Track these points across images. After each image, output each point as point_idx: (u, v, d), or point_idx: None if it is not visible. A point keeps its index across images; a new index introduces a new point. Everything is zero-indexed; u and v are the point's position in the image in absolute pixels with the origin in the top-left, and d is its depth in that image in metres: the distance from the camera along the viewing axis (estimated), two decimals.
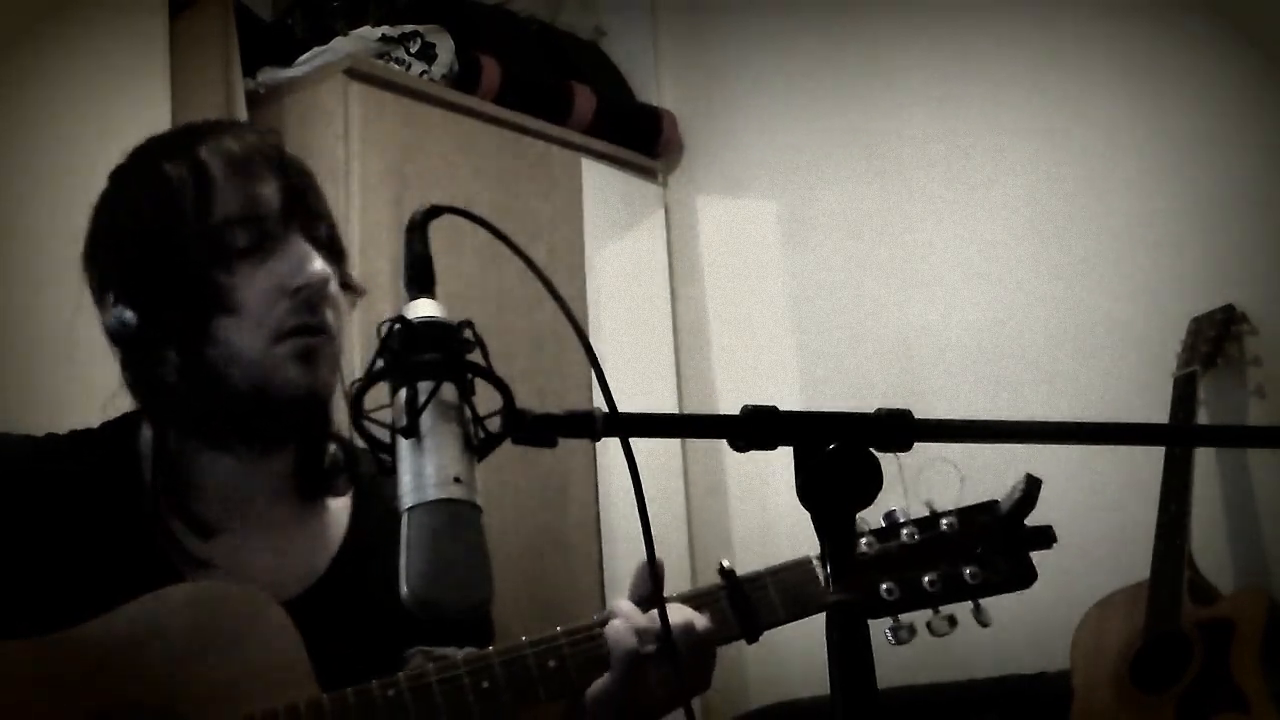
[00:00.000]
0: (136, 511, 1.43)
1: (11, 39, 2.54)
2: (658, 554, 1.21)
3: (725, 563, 1.37)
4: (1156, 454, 2.44)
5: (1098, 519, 2.65)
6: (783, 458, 0.95)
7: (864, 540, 1.31)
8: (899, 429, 0.96)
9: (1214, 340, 2.54)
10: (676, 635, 1.28)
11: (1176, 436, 2.40)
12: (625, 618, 1.32)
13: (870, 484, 0.94)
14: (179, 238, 1.42)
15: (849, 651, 0.92)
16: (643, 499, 0.98)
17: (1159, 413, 2.49)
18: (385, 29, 2.97)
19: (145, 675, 1.31)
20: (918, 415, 0.97)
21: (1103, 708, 2.35)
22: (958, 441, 1.01)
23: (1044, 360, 2.89)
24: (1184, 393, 2.48)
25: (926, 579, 1.30)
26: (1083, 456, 2.71)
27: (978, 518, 1.32)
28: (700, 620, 1.31)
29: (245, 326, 1.40)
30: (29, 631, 1.32)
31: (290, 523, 1.49)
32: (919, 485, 1.30)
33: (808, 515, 0.94)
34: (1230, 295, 2.61)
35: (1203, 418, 2.52)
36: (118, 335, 1.45)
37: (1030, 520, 1.35)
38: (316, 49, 2.93)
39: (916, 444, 0.95)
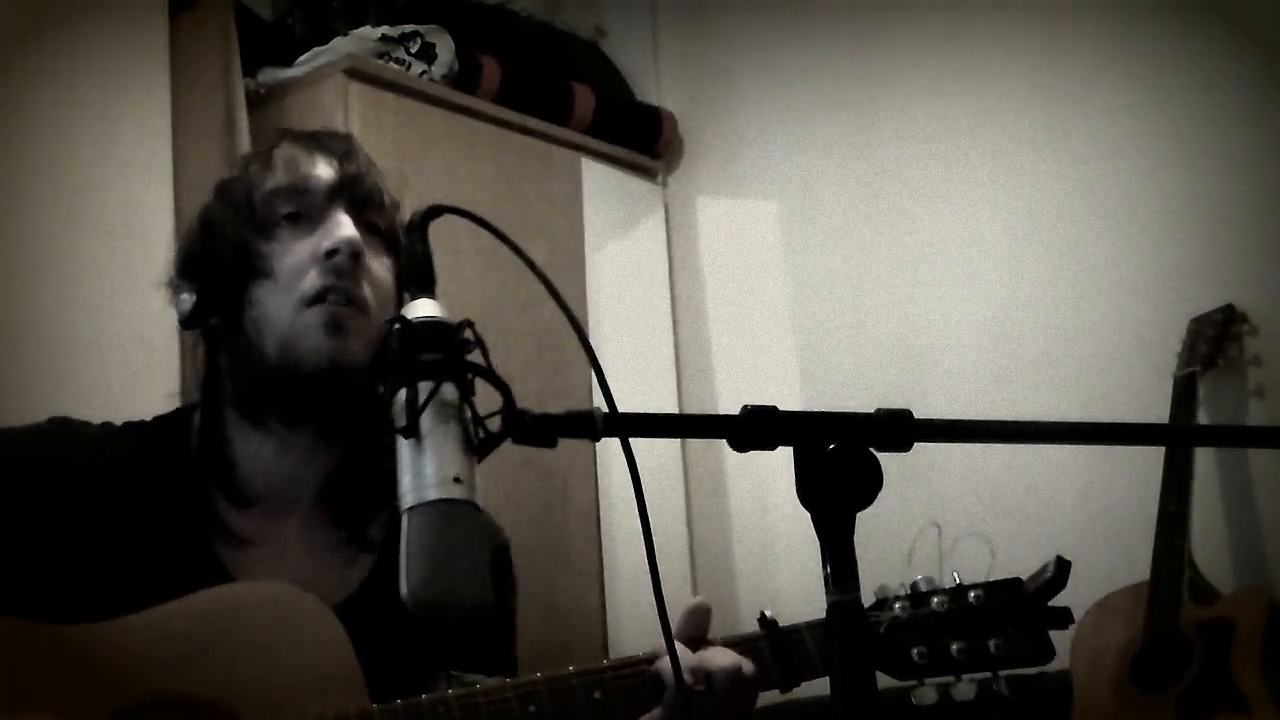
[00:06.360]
0: (180, 491, 1.45)
1: (12, 39, 2.54)
2: (708, 600, 1.34)
3: (767, 612, 1.40)
4: (1156, 454, 2.44)
5: (1098, 519, 2.65)
6: (783, 458, 0.95)
7: (898, 605, 1.37)
8: (899, 429, 0.97)
9: (1214, 340, 2.54)
10: (723, 677, 1.32)
11: (1176, 436, 2.40)
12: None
13: (870, 484, 0.94)
14: (232, 216, 1.48)
15: (849, 651, 0.92)
16: (643, 499, 0.98)
17: (1159, 413, 2.49)
18: (385, 29, 2.97)
19: (198, 669, 1.32)
20: (918, 415, 0.97)
21: (1103, 708, 2.35)
22: (957, 441, 1.01)
23: (1044, 360, 2.88)
24: (1184, 393, 2.48)
25: (954, 647, 1.35)
26: (1083, 456, 2.71)
27: (1002, 593, 1.37)
28: (747, 665, 1.35)
29: (277, 291, 1.44)
30: (68, 615, 1.33)
31: (331, 528, 1.49)
32: (952, 556, 1.37)
33: (808, 515, 0.94)
34: (1230, 295, 2.61)
35: (1203, 418, 2.52)
36: (181, 319, 1.50)
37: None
38: (316, 49, 2.93)
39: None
